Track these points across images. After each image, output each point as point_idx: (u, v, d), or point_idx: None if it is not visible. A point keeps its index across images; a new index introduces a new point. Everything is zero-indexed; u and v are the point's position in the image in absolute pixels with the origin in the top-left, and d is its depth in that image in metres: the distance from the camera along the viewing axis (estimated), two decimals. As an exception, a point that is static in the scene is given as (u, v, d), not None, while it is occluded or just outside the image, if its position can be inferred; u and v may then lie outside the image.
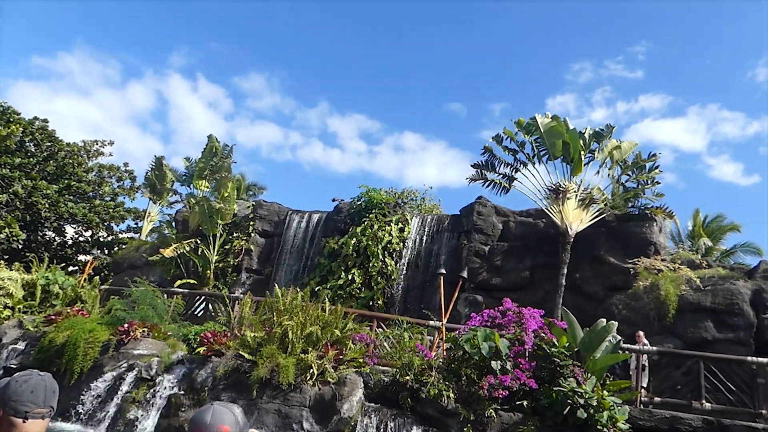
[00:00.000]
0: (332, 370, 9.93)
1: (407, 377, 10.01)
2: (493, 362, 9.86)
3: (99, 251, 32.30)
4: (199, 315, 14.32)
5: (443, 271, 11.97)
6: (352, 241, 20.16)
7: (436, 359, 10.20)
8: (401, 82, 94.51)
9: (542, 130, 18.04)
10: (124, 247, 32.36)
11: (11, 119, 28.41)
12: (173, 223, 25.56)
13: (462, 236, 20.15)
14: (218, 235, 23.52)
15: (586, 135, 18.55)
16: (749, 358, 11.08)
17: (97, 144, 32.89)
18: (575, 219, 17.63)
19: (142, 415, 9.67)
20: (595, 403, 9.69)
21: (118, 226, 32.67)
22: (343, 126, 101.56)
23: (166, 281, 24.63)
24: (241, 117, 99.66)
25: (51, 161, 30.30)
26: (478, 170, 18.93)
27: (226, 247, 23.69)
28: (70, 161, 30.72)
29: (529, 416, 9.98)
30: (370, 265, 19.83)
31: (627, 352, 11.35)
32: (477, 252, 19.50)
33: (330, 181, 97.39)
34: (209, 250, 23.29)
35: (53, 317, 12.80)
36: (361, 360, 10.46)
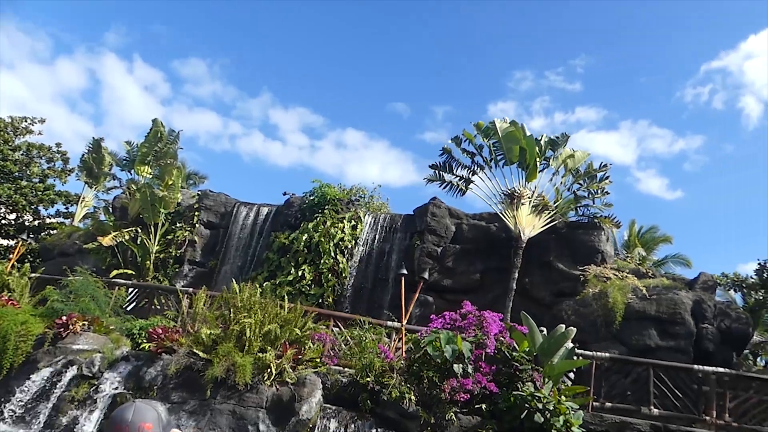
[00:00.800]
0: (290, 371, 9.52)
1: (368, 378, 9.73)
2: (455, 365, 9.72)
3: (25, 236, 30.36)
4: (143, 309, 13.49)
5: (404, 271, 11.77)
6: (304, 237, 19.69)
7: (397, 361, 9.97)
8: (347, 78, 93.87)
9: (500, 135, 18.17)
10: (53, 232, 30.47)
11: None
12: (111, 210, 24.19)
13: (415, 236, 20.05)
14: (160, 224, 22.46)
15: (542, 142, 18.83)
16: (696, 367, 11.44)
17: (26, 121, 30.87)
18: (528, 224, 17.85)
19: (82, 416, 8.94)
20: (552, 408, 9.72)
21: (47, 210, 30.76)
22: (285, 118, 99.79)
23: (101, 270, 23.27)
24: (179, 103, 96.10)
25: (-26, 137, 28.16)
26: (436, 171, 18.87)
27: (168, 237, 22.66)
28: (-4, 139, 28.64)
29: (486, 420, 9.91)
30: (321, 262, 19.41)
31: (582, 358, 11.48)
32: (429, 253, 19.44)
33: (270, 174, 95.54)
34: (150, 240, 22.20)
35: (-21, 306, 11.72)
36: (319, 360, 10.10)
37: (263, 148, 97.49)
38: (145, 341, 11.27)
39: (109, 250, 22.76)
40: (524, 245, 17.69)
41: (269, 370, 9.38)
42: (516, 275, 17.50)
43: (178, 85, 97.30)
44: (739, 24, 76.04)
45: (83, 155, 26.62)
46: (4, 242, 30.49)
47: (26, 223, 30.55)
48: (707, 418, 11.02)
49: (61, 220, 32.26)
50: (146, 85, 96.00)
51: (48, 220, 31.59)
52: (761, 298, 23.42)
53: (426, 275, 12.00)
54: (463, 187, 18.84)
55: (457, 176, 18.91)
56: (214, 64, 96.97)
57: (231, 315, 9.69)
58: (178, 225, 22.98)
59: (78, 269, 12.63)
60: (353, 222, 20.47)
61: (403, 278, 11.66)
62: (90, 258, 23.36)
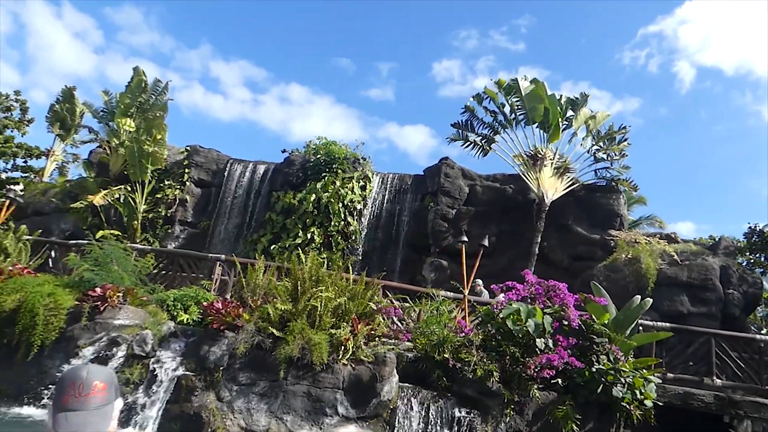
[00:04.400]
0: (365, 348, 8.74)
1: (445, 354, 9.06)
2: (538, 340, 9.16)
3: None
4: (163, 277, 12.24)
5: (465, 239, 11.01)
6: (312, 197, 18.60)
7: (476, 335, 9.32)
8: (290, 31, 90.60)
9: (523, 93, 17.41)
10: (20, 190, 28.13)
11: None
12: (92, 166, 22.28)
13: (427, 198, 19.28)
14: (147, 181, 20.85)
15: (562, 102, 18.19)
16: (758, 336, 11.33)
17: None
18: (551, 187, 17.35)
19: (141, 400, 7.94)
20: (630, 381, 9.41)
21: (6, 163, 28.36)
22: (226, 71, 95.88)
23: (81, 231, 21.61)
24: (113, 51, 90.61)
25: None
26: (459, 130, 18.00)
27: (157, 196, 21.08)
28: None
29: (562, 395, 9.48)
30: (331, 224, 18.44)
31: (643, 329, 11.16)
32: (444, 215, 18.75)
33: (211, 128, 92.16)
34: (137, 199, 20.60)
35: (-9, 276, 10.33)
36: (391, 335, 9.35)
37: (204, 101, 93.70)
38: (182, 313, 10.25)
39: (89, 209, 21.07)
40: (547, 208, 17.21)
41: (343, 347, 8.57)
42: (539, 239, 17.08)
43: (112, 33, 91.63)
44: (676, -11, 77.27)
45: (53, 105, 24.29)
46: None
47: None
48: (769, 388, 10.92)
49: (19, 174, 29.86)
50: (77, 32, 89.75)
51: (5, 175, 29.20)
52: (751, 260, 23.96)
53: (486, 242, 11.23)
54: (487, 147, 18.08)
55: (479, 135, 18.10)
56: (149, 12, 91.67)
57: (299, 288, 8.74)
58: (166, 183, 21.40)
59: (106, 236, 11.26)
60: (362, 182, 19.49)
61: (463, 246, 10.92)
62: (69, 218, 21.61)
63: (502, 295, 13.50)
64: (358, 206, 19.08)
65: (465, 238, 11.01)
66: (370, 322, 9.17)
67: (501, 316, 9.41)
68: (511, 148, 17.86)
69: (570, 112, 18.28)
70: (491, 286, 14.58)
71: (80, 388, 1.63)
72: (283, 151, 21.37)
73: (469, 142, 18.09)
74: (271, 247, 18.27)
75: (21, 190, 27.01)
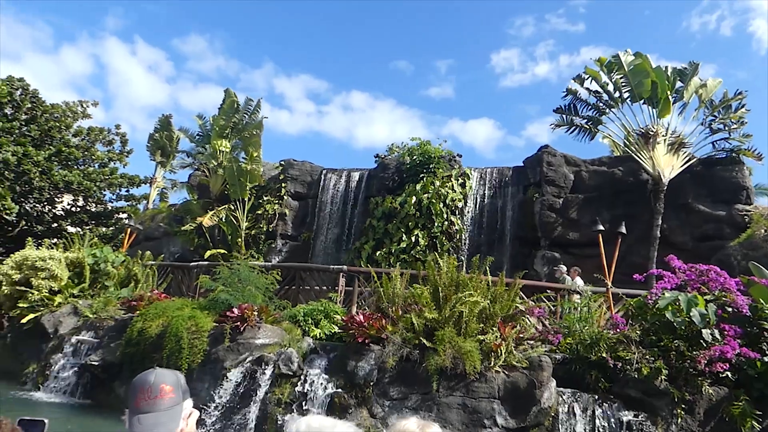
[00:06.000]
0: (516, 353, 8.26)
1: (602, 354, 8.44)
2: (704, 331, 8.36)
3: (94, 223, 29.56)
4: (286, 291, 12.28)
5: (600, 227, 10.31)
6: (412, 200, 18.28)
7: (632, 330, 8.63)
8: (346, 40, 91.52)
9: (626, 69, 16.35)
10: (123, 218, 29.58)
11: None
12: (193, 189, 22.99)
13: (530, 189, 18.53)
14: (247, 199, 21.27)
15: (668, 73, 16.97)
16: None
17: (81, 105, 29.64)
18: (666, 165, 16.20)
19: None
20: (811, 371, 8.42)
21: (114, 193, 29.83)
22: (290, 87, 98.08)
23: (189, 253, 22.37)
24: (184, 80, 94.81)
25: (33, 125, 27.06)
26: (562, 115, 17.17)
27: (257, 212, 21.46)
28: (57, 124, 27.54)
29: (732, 389, 8.61)
30: (435, 225, 18.05)
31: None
32: (551, 205, 17.93)
33: (280, 142, 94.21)
34: (239, 217, 21.05)
35: (133, 302, 10.65)
36: (541, 337, 8.82)
37: (271, 117, 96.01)
38: (313, 328, 10.14)
39: (195, 231, 21.73)
40: (665, 188, 16.08)
41: (494, 354, 8.13)
42: (659, 221, 15.97)
43: (181, 63, 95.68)
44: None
45: (152, 134, 25.31)
46: (73, 230, 29.77)
47: (91, 210, 29.74)
48: None
49: (123, 203, 31.35)
50: (150, 65, 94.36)
51: (110, 205, 30.75)
52: None
53: (623, 229, 10.44)
54: (594, 130, 17.13)
55: (584, 118, 17.18)
56: (213, 38, 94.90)
57: (440, 294, 8.39)
58: (265, 199, 21.75)
59: (236, 256, 11.40)
60: (461, 179, 18.99)
61: (600, 236, 10.21)
62: (177, 240, 22.41)
63: (579, 278, 12.75)
64: (459, 204, 18.59)
65: (600, 226, 10.31)
66: (515, 324, 8.69)
67: (658, 307, 8.67)
68: (619, 129, 16.80)
69: (678, 84, 17.03)
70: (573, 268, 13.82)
71: (149, 391, 1.75)
72: (376, 157, 21.21)
73: (574, 126, 17.19)
74: (376, 254, 18.10)
75: (127, 218, 28.39)
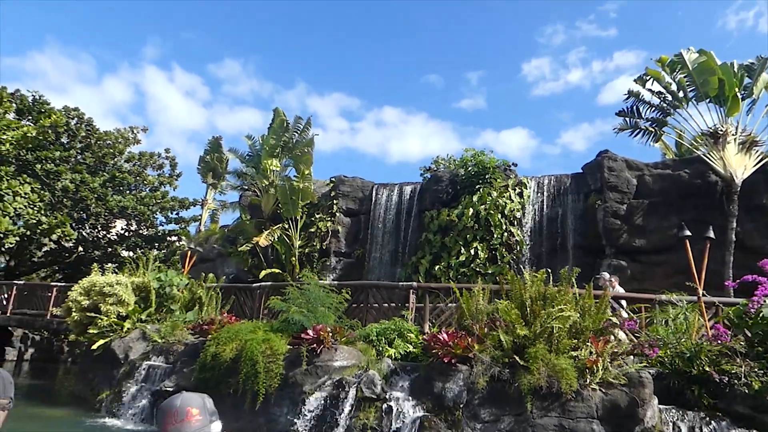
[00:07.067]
0: (612, 369, 7.76)
1: (705, 368, 7.85)
2: (818, 341, 7.73)
3: (147, 246, 30.03)
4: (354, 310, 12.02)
5: (687, 232, 9.71)
6: (470, 212, 17.88)
7: (736, 341, 8.03)
8: (376, 57, 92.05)
9: (690, 67, 15.68)
10: (175, 241, 29.96)
11: (42, 110, 25.81)
12: (245, 209, 23.08)
13: (591, 196, 17.91)
14: (299, 217, 21.21)
15: (735, 70, 16.21)
16: None
17: (132, 131, 30.31)
18: (738, 165, 15.41)
19: (384, 447, 7.49)
20: None
21: (165, 216, 30.30)
22: (322, 105, 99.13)
23: (243, 273, 22.41)
24: (220, 104, 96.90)
25: (88, 152, 27.76)
26: (625, 118, 16.56)
27: (310, 230, 21.38)
28: (110, 151, 28.18)
29: None
30: (494, 236, 17.59)
31: None
32: (614, 212, 17.26)
33: (316, 161, 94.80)
34: (292, 235, 20.99)
35: (205, 326, 10.53)
36: (635, 351, 8.30)
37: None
38: (388, 348, 9.81)
39: (248, 251, 21.76)
40: (738, 189, 15.28)
41: (588, 370, 7.65)
42: (734, 224, 15.15)
43: (217, 87, 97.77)
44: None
45: (203, 156, 25.63)
46: (126, 254, 30.30)
47: (143, 233, 30.24)
48: None
49: (173, 226, 31.77)
50: (187, 90, 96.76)
51: (161, 229, 31.22)
52: None
53: (711, 233, 9.82)
54: (659, 132, 16.45)
55: (648, 120, 16.53)
56: (247, 62, 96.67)
57: (528, 309, 7.97)
58: (317, 216, 21.67)
59: (306, 274, 11.20)
60: (518, 189, 18.50)
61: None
62: (231, 261, 22.50)
63: (619, 287, 12.09)
64: (518, 215, 18.10)
65: (687, 231, 9.69)
66: (608, 339, 8.19)
67: (763, 315, 8.06)
68: (687, 129, 16.08)
69: (746, 80, 16.24)
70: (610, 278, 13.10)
71: (176, 414, 1.83)
72: (428, 170, 20.91)
73: (638, 129, 16.54)
74: (434, 269, 17.74)
75: (178, 240, 28.71)
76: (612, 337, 8.42)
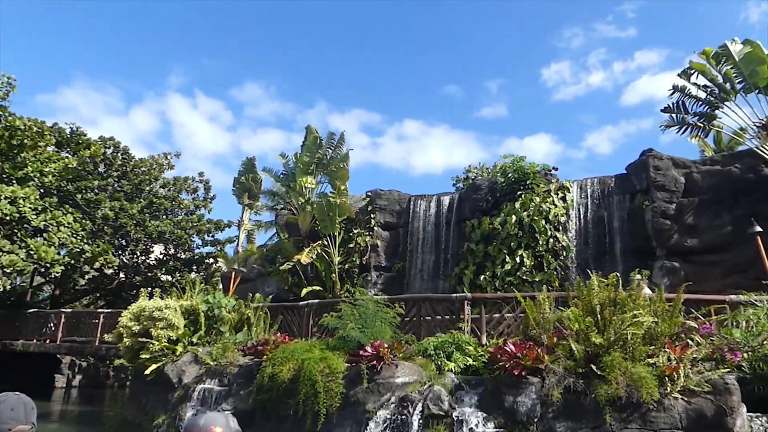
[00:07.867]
0: (693, 376, 7.33)
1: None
2: None
3: (186, 269, 30.26)
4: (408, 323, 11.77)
5: (758, 228, 9.27)
6: (513, 219, 17.51)
7: (826, 344, 7.55)
8: (394, 71, 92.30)
9: (736, 58, 15.17)
10: (212, 263, 30.14)
11: (80, 141, 26.29)
12: (282, 228, 23.06)
13: (637, 197, 17.39)
14: (337, 233, 21.07)
15: (784, 58, 15.61)
16: None
17: (166, 157, 30.74)
18: (795, 157, 14.79)
19: (456, 466, 7.18)
20: None
21: (203, 239, 30.54)
22: (343, 122, 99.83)
23: (283, 292, 22.32)
24: (243, 127, 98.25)
25: (124, 180, 28.18)
26: (671, 114, 16.08)
27: (349, 246, 21.22)
28: (146, 177, 28.58)
29: None
30: (539, 243, 17.17)
31: None
32: (663, 212, 16.71)
33: None
34: (330, 252, 20.85)
35: (259, 347, 10.38)
36: (715, 356, 7.85)
37: None
38: (446, 362, 9.50)
39: (288, 270, 21.68)
40: (797, 182, 14.65)
41: (668, 378, 7.24)
42: (796, 219, 14.47)
43: (239, 111, 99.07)
44: None
45: (237, 177, 25.80)
46: (165, 278, 30.57)
47: (181, 257, 30.50)
48: None
49: (209, 249, 31.99)
50: (210, 115, 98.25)
51: (198, 251, 31.47)
52: None
53: (757, 228, 9.37)
54: (706, 126, 15.92)
55: (695, 114, 16.01)
56: (268, 84, 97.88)
57: (598, 316, 7.61)
58: (355, 231, 21.51)
59: (359, 290, 11.01)
60: (560, 193, 18.08)
61: (759, 237, 9.16)
62: (271, 280, 22.44)
63: (647, 288, 11.56)
64: (562, 219, 17.66)
65: (758, 227, 9.25)
66: (686, 344, 7.76)
67: None
68: (734, 123, 15.53)
69: (796, 68, 15.63)
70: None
71: None
72: (462, 179, 20.63)
73: (686, 125, 16.03)
74: (479, 279, 17.38)
75: (215, 263, 28.81)
76: (694, 341, 8.00)
